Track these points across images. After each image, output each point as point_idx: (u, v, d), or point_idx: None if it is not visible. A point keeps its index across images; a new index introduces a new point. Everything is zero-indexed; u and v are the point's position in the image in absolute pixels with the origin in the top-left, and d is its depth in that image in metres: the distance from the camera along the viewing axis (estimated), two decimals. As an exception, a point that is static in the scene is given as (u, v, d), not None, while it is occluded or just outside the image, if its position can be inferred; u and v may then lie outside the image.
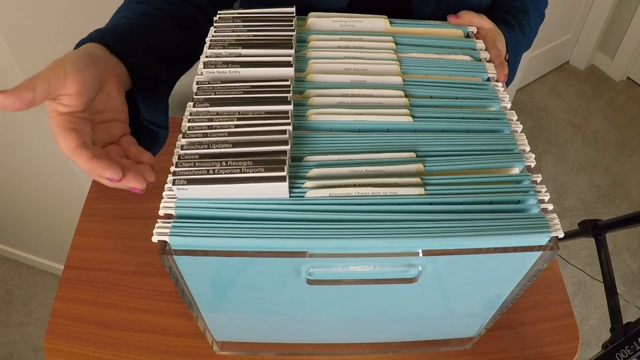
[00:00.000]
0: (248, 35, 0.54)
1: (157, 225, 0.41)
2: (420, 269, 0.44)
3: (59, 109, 0.42)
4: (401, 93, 0.52)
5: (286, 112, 0.47)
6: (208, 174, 0.42)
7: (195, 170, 0.42)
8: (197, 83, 0.50)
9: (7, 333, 1.53)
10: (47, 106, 0.42)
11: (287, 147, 0.44)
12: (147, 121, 0.51)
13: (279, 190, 0.42)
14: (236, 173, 0.42)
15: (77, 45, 0.47)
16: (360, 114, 0.49)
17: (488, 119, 0.51)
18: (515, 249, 0.42)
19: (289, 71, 0.51)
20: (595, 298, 1.66)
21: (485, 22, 0.63)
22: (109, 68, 0.46)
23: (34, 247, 1.60)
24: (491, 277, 0.49)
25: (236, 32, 0.54)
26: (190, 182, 0.42)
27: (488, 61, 0.58)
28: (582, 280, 1.69)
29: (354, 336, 0.64)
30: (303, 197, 0.43)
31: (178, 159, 0.43)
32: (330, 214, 0.42)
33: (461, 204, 0.43)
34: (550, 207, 0.44)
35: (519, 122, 0.51)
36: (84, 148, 0.40)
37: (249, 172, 0.42)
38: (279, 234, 0.41)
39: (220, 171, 0.42)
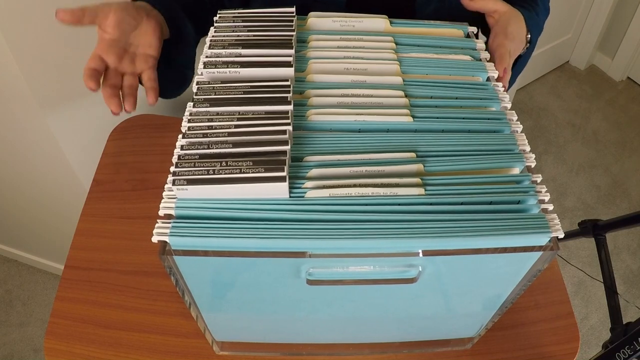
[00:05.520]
0: (248, 35, 0.54)
1: (157, 225, 0.41)
2: (420, 269, 0.44)
3: (103, 36, 0.57)
4: (401, 93, 0.52)
5: (286, 112, 0.47)
6: (208, 174, 0.42)
7: (195, 171, 0.42)
8: (197, 83, 0.50)
9: (7, 333, 1.53)
10: (97, 33, 0.57)
11: (287, 147, 0.44)
12: (178, 64, 0.66)
13: (279, 190, 0.42)
14: (236, 173, 0.42)
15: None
16: (361, 114, 0.49)
17: (488, 119, 0.51)
18: (515, 249, 0.42)
19: (289, 71, 0.51)
20: (595, 298, 1.65)
21: (500, 5, 0.63)
22: (152, 15, 0.60)
23: (34, 247, 1.60)
24: (491, 278, 0.48)
25: (236, 32, 0.54)
26: (190, 182, 0.42)
27: (488, 60, 0.58)
28: (582, 280, 1.69)
29: (354, 336, 0.64)
30: (303, 197, 0.43)
31: (178, 159, 0.43)
32: (330, 214, 0.42)
33: (461, 204, 0.43)
34: (551, 207, 0.44)
35: (519, 122, 0.51)
36: (90, 69, 0.56)
37: (249, 173, 0.42)
38: (279, 234, 0.41)
39: (220, 171, 0.42)
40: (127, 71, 0.59)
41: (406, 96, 0.52)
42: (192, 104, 0.48)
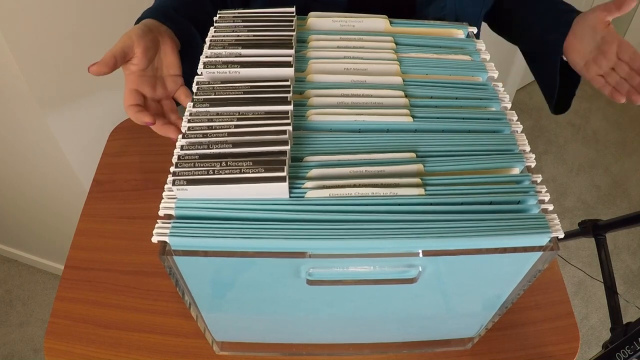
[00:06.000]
0: (248, 35, 0.54)
1: (157, 225, 0.41)
2: (420, 270, 0.44)
3: (130, 68, 0.56)
4: (401, 93, 0.52)
5: (286, 112, 0.47)
6: (208, 174, 0.42)
7: (195, 171, 0.42)
8: (197, 83, 0.50)
9: (7, 333, 1.53)
10: (123, 68, 0.56)
11: (287, 148, 0.44)
12: (188, 71, 0.63)
13: (279, 190, 0.42)
14: (236, 173, 0.42)
15: (137, 22, 0.61)
16: (360, 114, 0.49)
17: (488, 119, 0.51)
18: (516, 250, 0.42)
19: (289, 71, 0.51)
20: (595, 298, 1.65)
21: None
22: (162, 32, 0.59)
23: (34, 247, 1.60)
24: (491, 278, 0.48)
25: (236, 32, 0.54)
26: (190, 182, 0.42)
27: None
28: (582, 280, 1.69)
29: (354, 336, 0.64)
30: (303, 197, 0.43)
31: (178, 160, 0.43)
32: (330, 215, 0.42)
33: (461, 204, 0.43)
34: (551, 207, 0.44)
35: (519, 122, 0.51)
36: (134, 105, 0.55)
37: (249, 173, 0.42)
38: (279, 235, 0.41)
39: (220, 171, 0.42)
40: (163, 97, 0.59)
41: (406, 96, 0.52)
42: (192, 104, 0.48)
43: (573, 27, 0.67)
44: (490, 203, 0.44)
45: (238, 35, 0.54)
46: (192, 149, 0.44)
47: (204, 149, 0.44)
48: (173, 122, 0.57)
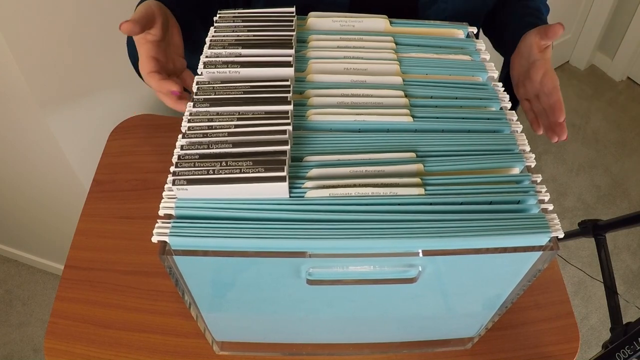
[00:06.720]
0: (248, 35, 0.54)
1: (157, 225, 0.41)
2: (420, 269, 0.44)
3: (147, 38, 0.56)
4: (401, 93, 0.52)
5: (286, 112, 0.47)
6: (208, 174, 0.42)
7: (195, 171, 0.42)
8: (197, 83, 0.50)
9: (7, 333, 1.53)
10: (139, 37, 0.56)
11: (287, 147, 0.44)
12: (190, 64, 0.63)
13: (279, 190, 0.42)
14: (236, 173, 0.42)
15: (138, 5, 0.59)
16: (360, 114, 0.49)
17: (488, 119, 0.51)
18: (515, 249, 0.42)
19: (289, 71, 0.51)
20: (595, 298, 1.65)
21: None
22: (168, 15, 0.59)
23: (34, 247, 1.60)
24: (491, 277, 0.48)
25: (236, 32, 0.54)
26: (190, 182, 0.42)
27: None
28: (582, 280, 1.69)
29: (354, 336, 0.64)
30: (303, 197, 0.43)
31: (178, 159, 0.43)
32: (330, 214, 0.42)
33: (461, 204, 0.43)
34: (550, 207, 0.44)
35: (519, 122, 0.51)
36: (156, 73, 0.55)
37: (249, 172, 0.42)
38: (278, 234, 0.41)
39: (220, 171, 0.42)
40: (172, 73, 0.59)
41: (406, 96, 0.52)
42: (192, 104, 0.48)
43: (520, 43, 0.64)
44: (490, 203, 0.44)
45: (238, 35, 0.54)
46: (192, 149, 0.44)
47: (204, 148, 0.44)
48: (185, 98, 0.57)
